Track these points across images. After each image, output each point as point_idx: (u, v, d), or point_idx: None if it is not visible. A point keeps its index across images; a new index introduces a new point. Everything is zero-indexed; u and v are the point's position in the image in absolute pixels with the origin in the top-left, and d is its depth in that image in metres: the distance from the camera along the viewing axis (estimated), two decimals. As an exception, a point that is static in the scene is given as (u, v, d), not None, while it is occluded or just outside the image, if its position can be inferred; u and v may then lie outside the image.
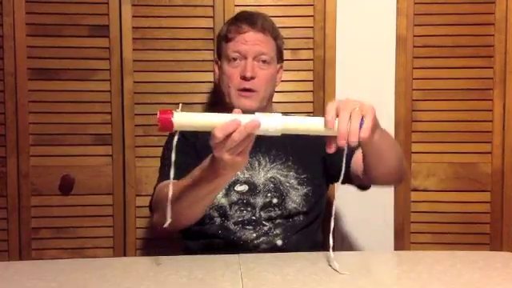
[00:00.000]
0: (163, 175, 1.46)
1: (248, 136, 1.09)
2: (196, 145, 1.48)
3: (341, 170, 1.18)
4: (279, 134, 1.13)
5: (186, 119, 1.12)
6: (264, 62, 1.56)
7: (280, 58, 1.63)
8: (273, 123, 1.12)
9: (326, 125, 1.12)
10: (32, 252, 1.89)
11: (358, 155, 1.45)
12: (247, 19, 1.59)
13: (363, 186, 1.54)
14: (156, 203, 1.41)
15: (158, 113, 1.11)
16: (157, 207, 1.40)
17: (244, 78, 1.53)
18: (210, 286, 1.12)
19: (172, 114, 1.10)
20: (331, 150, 1.12)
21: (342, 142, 1.09)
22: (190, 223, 1.37)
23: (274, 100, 1.68)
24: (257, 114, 1.14)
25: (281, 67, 1.65)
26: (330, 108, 1.11)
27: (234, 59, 1.55)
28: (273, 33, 1.60)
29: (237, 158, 1.11)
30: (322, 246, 1.60)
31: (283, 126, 1.12)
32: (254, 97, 1.54)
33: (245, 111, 1.52)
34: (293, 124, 1.14)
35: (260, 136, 1.56)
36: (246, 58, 1.55)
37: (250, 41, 1.55)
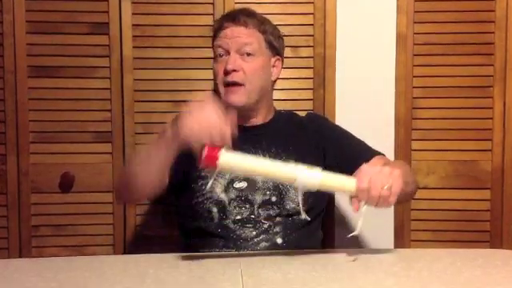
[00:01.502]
0: None
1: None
2: None
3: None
4: (315, 190, 1.22)
5: (231, 161, 1.17)
6: (248, 54, 1.53)
7: (274, 51, 1.59)
8: (311, 179, 1.20)
9: (357, 193, 1.22)
10: (32, 250, 1.89)
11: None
12: (229, 16, 1.59)
13: None
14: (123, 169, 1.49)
15: (206, 149, 1.14)
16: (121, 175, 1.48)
17: (225, 73, 1.51)
18: (210, 284, 1.12)
19: (219, 152, 1.14)
20: (356, 208, 1.24)
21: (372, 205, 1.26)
22: (149, 192, 1.43)
23: (274, 97, 1.68)
24: (299, 166, 1.21)
25: (277, 60, 1.60)
26: (364, 180, 1.23)
27: (220, 56, 1.55)
28: (259, 26, 1.56)
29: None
30: (322, 244, 1.61)
31: (320, 182, 1.20)
32: (240, 91, 1.51)
33: (233, 107, 1.54)
34: (329, 181, 1.23)
35: (261, 133, 1.57)
36: (229, 52, 1.53)
37: (232, 35, 1.54)
